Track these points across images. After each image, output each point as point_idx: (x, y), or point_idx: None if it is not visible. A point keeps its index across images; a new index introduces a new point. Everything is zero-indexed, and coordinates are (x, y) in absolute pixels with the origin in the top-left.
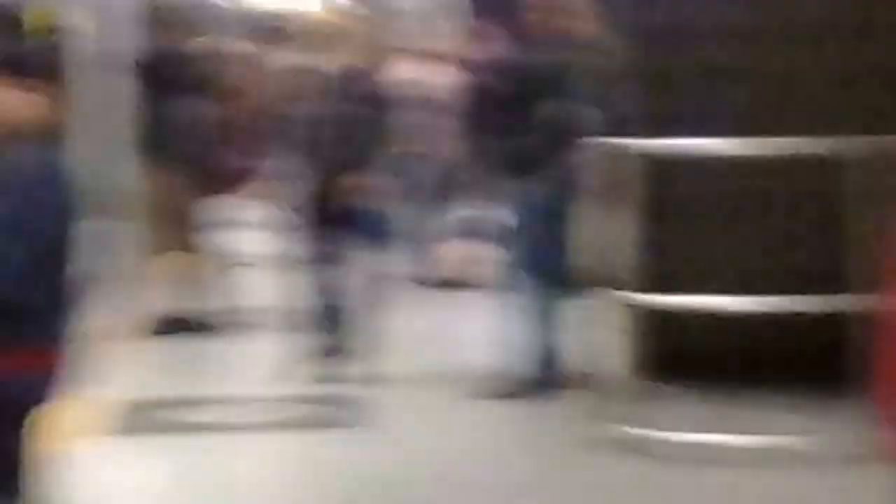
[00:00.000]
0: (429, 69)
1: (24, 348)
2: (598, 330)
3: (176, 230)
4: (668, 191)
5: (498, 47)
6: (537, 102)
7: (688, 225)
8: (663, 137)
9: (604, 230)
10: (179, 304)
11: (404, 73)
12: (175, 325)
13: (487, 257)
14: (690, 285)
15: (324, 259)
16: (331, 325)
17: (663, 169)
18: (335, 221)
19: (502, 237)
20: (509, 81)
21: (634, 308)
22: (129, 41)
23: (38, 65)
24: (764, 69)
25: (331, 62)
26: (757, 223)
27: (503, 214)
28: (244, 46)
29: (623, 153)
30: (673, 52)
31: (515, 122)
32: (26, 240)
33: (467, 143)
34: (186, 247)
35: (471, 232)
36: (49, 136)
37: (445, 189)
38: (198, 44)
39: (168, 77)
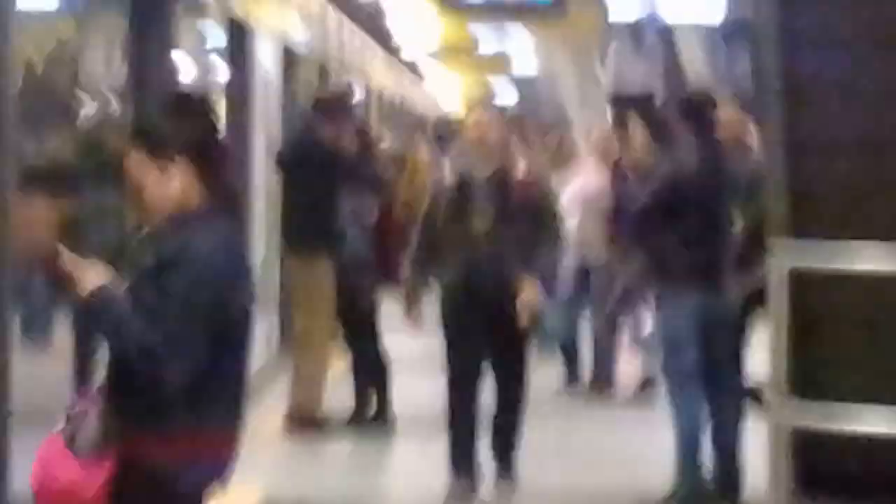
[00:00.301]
0: (598, 174)
1: (200, 433)
2: (757, 444)
3: (324, 323)
4: (819, 301)
5: (679, 154)
6: (728, 211)
7: (839, 337)
8: (808, 243)
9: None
10: (323, 399)
11: (578, 179)
12: (317, 422)
13: (659, 367)
14: (843, 399)
15: (480, 364)
16: (487, 431)
17: (814, 278)
18: (501, 328)
19: (676, 347)
20: (700, 189)
21: (785, 422)
22: (280, 132)
23: (219, 150)
24: None
25: (493, 167)
26: None
27: (679, 323)
28: (408, 146)
29: (776, 261)
30: (820, 162)
31: (707, 230)
32: (204, 318)
33: (644, 250)
34: (334, 340)
35: (645, 340)
36: (224, 218)
37: (621, 297)
38: (360, 140)
39: (326, 170)
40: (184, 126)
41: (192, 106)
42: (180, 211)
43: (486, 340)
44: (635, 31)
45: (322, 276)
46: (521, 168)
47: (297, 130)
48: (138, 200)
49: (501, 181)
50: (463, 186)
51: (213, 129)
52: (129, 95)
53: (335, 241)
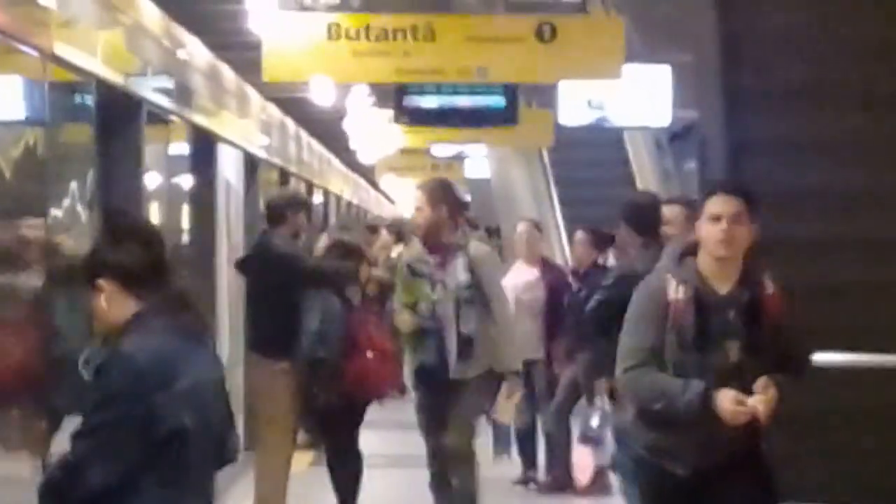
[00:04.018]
0: (525, 271)
1: None
2: None
3: (285, 424)
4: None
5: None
6: None
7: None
8: None
9: None
10: (287, 497)
11: (510, 275)
12: None
13: (609, 463)
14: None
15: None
16: None
17: None
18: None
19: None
20: None
21: None
22: (242, 237)
23: (154, 270)
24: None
25: (734, 278)
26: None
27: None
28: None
29: None
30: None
31: None
32: (124, 420)
33: (597, 346)
34: (295, 440)
35: (593, 433)
36: (161, 326)
37: (569, 390)
38: (320, 240)
39: (282, 273)
40: (111, 253)
41: (126, 235)
42: (115, 325)
43: None
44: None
45: (282, 378)
46: (766, 280)
47: (256, 236)
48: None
49: (747, 297)
50: (702, 307)
51: (147, 256)
52: (95, 203)
53: (295, 343)
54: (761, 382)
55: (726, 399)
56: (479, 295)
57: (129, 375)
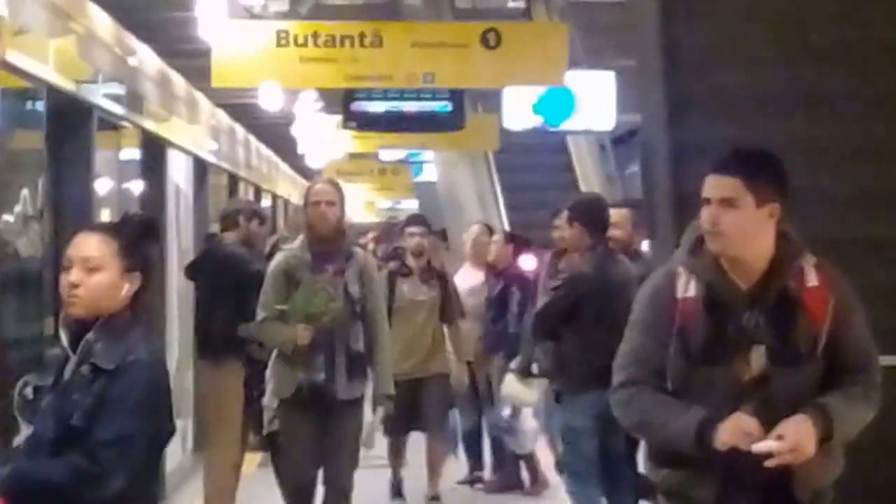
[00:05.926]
0: (471, 275)
1: None
2: None
3: (233, 425)
4: None
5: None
6: (624, 311)
7: None
8: None
9: None
10: (235, 497)
11: (456, 279)
12: None
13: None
14: None
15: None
16: None
17: None
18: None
19: (575, 440)
20: (595, 290)
21: None
22: (192, 241)
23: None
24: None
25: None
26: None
27: (578, 419)
28: None
29: None
30: None
31: (603, 330)
32: (148, 423)
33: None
34: (244, 446)
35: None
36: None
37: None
38: (264, 243)
39: (229, 278)
40: (152, 250)
41: (157, 231)
42: (110, 315)
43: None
44: None
45: (230, 380)
46: (808, 269)
47: (204, 241)
48: (69, 301)
49: (776, 295)
50: (717, 306)
51: (160, 259)
52: (47, 209)
53: (242, 346)
54: (779, 430)
55: (726, 431)
56: (365, 308)
57: (154, 384)
